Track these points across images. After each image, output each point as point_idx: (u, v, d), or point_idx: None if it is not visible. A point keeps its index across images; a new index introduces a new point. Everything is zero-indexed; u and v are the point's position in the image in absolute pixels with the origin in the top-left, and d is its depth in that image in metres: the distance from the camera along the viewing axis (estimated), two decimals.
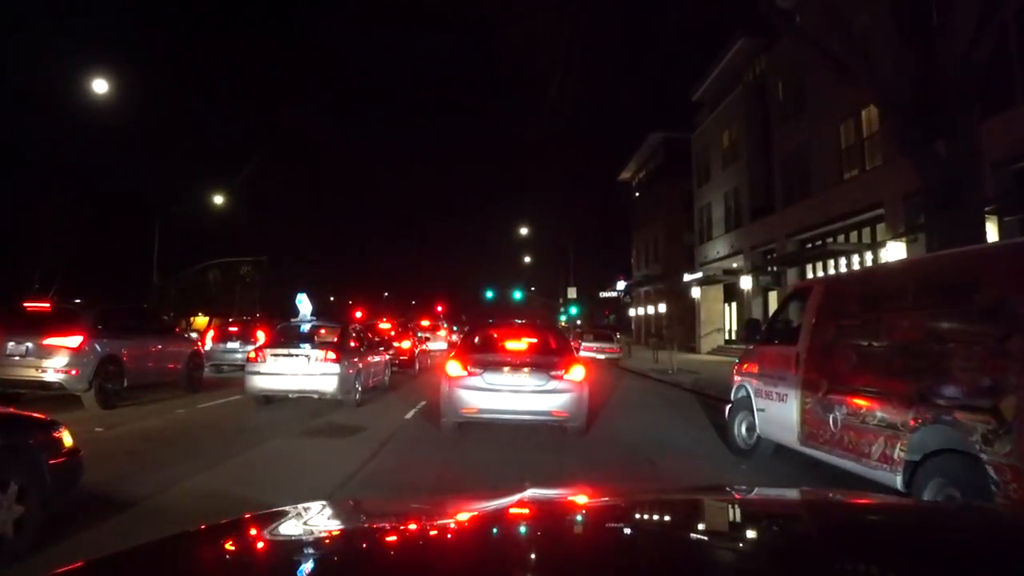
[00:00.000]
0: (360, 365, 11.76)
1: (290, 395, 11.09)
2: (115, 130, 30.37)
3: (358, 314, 45.90)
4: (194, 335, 19.59)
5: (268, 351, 10.94)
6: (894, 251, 18.03)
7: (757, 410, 7.31)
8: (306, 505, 1.67)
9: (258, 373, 10.77)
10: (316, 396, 10.88)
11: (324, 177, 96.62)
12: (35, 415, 4.44)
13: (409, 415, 10.44)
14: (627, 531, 1.64)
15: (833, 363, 5.89)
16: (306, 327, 12.42)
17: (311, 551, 1.47)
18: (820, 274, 23.56)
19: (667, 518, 1.79)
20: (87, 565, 1.22)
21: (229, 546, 1.45)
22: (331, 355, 10.75)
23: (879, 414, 5.02)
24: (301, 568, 1.33)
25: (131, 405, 10.73)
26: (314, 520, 1.64)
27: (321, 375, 10.65)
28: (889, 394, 4.93)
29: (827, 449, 5.80)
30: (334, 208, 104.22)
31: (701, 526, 1.76)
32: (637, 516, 1.79)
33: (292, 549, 1.49)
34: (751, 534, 1.70)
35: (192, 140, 56.82)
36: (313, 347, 11.01)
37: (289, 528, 1.55)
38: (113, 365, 10.49)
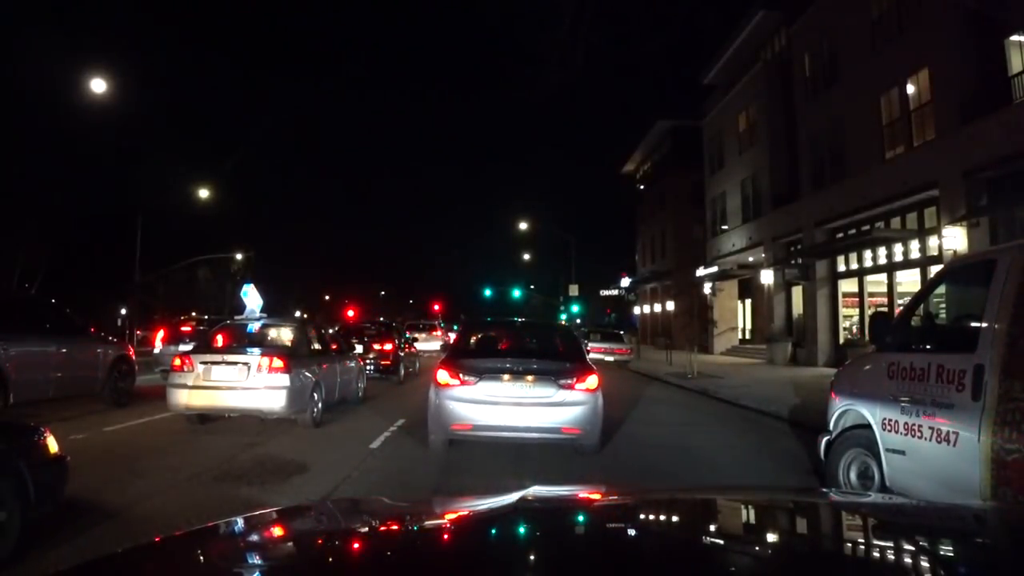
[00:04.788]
0: (321, 374, 9.26)
1: (228, 414, 8.61)
2: (99, 121, 28.04)
3: (350, 313, 43.84)
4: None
5: (197, 357, 8.40)
6: (952, 238, 15.61)
7: (886, 450, 4.84)
8: (306, 505, 1.76)
9: (184, 386, 8.22)
10: (261, 416, 8.41)
11: (322, 175, 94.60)
12: (17, 421, 4.56)
13: (378, 442, 7.89)
14: (633, 532, 1.55)
15: None
16: (254, 327, 9.85)
17: (311, 551, 1.41)
18: (854, 266, 21.16)
19: (675, 519, 1.70)
20: (84, 565, 1.21)
21: (228, 546, 1.44)
22: (278, 363, 8.21)
23: None
24: (300, 568, 1.28)
25: None
26: (314, 520, 1.70)
27: (265, 389, 8.12)
28: None
29: None
30: (332, 206, 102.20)
31: (712, 527, 1.65)
32: (644, 516, 1.71)
33: (291, 549, 1.46)
34: (762, 535, 1.62)
35: (182, 132, 54.67)
36: (257, 352, 8.47)
37: (289, 528, 1.57)
38: None
